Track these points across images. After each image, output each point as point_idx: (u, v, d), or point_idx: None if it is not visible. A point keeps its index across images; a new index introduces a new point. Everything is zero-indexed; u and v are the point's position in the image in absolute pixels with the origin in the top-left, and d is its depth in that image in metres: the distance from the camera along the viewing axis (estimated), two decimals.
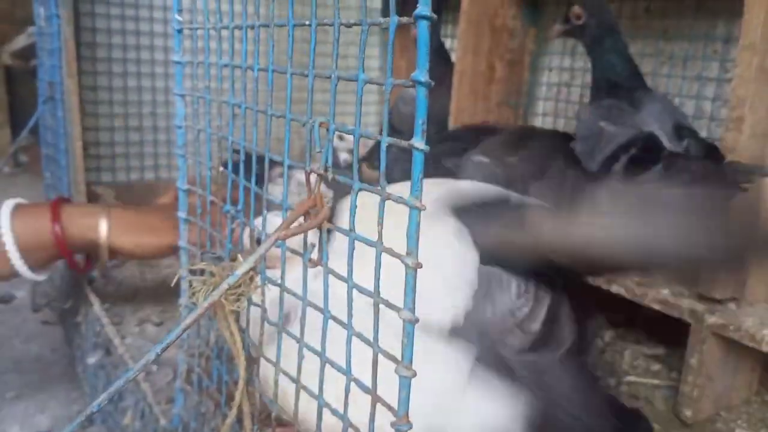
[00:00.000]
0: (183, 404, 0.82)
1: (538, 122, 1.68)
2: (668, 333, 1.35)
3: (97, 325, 1.13)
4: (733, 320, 1.02)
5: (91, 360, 1.14)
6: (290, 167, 0.55)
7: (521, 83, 1.65)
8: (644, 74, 1.42)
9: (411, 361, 0.42)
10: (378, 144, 0.41)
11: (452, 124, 1.59)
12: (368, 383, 0.46)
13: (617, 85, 1.24)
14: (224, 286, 0.50)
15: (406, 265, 0.40)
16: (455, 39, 1.61)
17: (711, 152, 1.10)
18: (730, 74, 1.20)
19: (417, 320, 0.41)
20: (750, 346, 1.00)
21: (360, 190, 0.45)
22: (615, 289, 1.19)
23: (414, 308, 0.41)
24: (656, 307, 1.13)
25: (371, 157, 1.41)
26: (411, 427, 0.42)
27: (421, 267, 0.40)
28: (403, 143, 0.40)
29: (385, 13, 1.59)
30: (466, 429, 0.71)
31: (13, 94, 3.20)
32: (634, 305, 1.20)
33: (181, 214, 0.77)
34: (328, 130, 0.48)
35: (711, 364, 1.06)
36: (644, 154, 1.06)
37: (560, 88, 1.62)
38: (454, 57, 1.62)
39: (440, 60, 1.67)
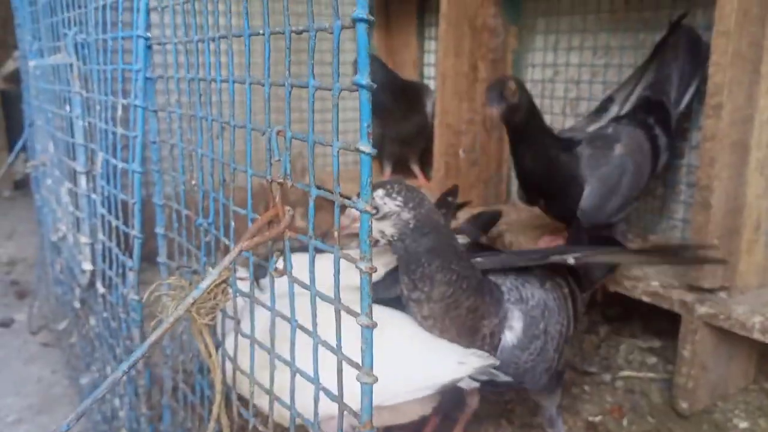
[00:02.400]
0: (170, 421, 0.82)
1: None
2: (663, 325, 1.34)
3: (86, 345, 1.13)
4: (723, 309, 1.02)
5: (84, 380, 1.14)
6: (255, 177, 0.55)
7: None
8: (627, 66, 1.42)
9: (372, 367, 0.41)
10: None
11: (438, 127, 1.58)
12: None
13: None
14: (189, 300, 0.50)
15: (360, 270, 0.40)
16: (438, 41, 1.61)
17: None
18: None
19: (375, 325, 0.41)
20: (741, 334, 1.00)
21: (316, 196, 0.45)
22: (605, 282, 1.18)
23: (370, 314, 0.40)
24: (646, 299, 1.12)
25: None
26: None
27: (375, 271, 0.40)
28: (351, 147, 0.40)
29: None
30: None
31: (9, 117, 3.20)
32: (628, 298, 1.19)
33: (159, 229, 0.77)
34: (285, 138, 0.48)
35: (704, 354, 1.06)
36: None
37: (544, 84, 1.61)
38: (434, 59, 1.63)
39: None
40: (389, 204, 0.79)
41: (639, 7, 1.40)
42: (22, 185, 3.19)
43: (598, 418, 1.11)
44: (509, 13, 1.60)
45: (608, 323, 1.43)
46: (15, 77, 2.78)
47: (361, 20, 0.37)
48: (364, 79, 0.37)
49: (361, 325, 0.41)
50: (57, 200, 1.17)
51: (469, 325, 0.83)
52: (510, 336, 0.86)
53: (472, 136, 1.62)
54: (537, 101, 1.60)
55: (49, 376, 1.39)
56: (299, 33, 0.45)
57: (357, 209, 0.39)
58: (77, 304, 1.14)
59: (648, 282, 1.13)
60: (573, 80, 1.54)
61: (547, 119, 1.60)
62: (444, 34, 1.51)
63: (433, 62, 1.90)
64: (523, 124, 1.19)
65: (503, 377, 0.88)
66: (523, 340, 0.87)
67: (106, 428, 1.05)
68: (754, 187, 1.05)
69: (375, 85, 0.37)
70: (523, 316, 0.87)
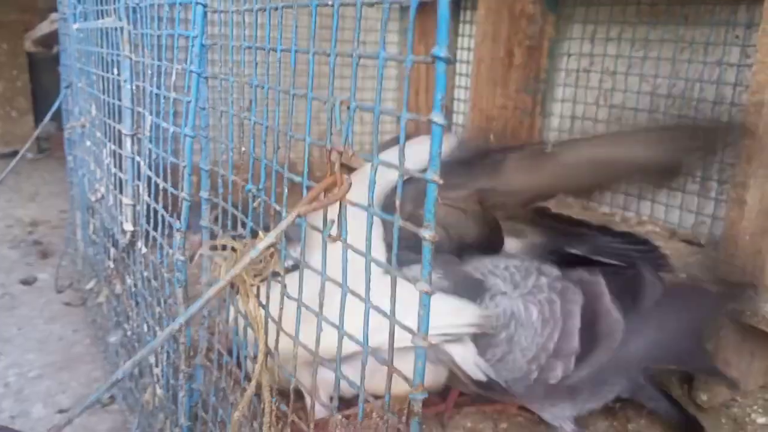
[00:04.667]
0: (203, 380, 0.84)
1: (557, 108, 1.68)
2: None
3: (118, 304, 1.16)
4: (750, 305, 1.02)
5: (113, 339, 1.16)
6: (312, 145, 0.56)
7: (540, 69, 1.65)
8: (665, 59, 1.42)
9: (427, 332, 0.43)
10: None
11: (470, 112, 1.59)
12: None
13: None
14: (246, 260, 0.52)
15: (423, 238, 0.41)
16: (474, 25, 1.61)
17: None
18: (752, 59, 1.19)
19: (433, 292, 0.42)
20: (767, 331, 1.01)
21: (378, 164, 0.46)
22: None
23: (430, 280, 0.42)
24: None
25: None
26: (426, 396, 0.43)
27: (438, 240, 0.42)
28: (422, 118, 0.41)
29: None
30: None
31: (36, 81, 3.24)
32: None
33: (203, 194, 0.79)
34: (348, 108, 0.49)
35: (727, 350, 1.07)
36: None
37: (579, 74, 1.61)
38: (468, 42, 1.63)
39: None
40: None
41: (681, 2, 1.39)
42: (45, 148, 3.23)
43: (617, 404, 1.12)
44: (548, 1, 1.59)
45: None
46: (47, 40, 2.81)
47: None
48: (443, 51, 0.38)
49: (420, 291, 0.42)
50: (97, 162, 1.19)
51: None
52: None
53: (504, 121, 1.62)
54: (572, 90, 1.61)
55: (71, 335, 1.42)
56: (371, 5, 0.46)
57: (425, 179, 0.41)
58: (111, 264, 1.17)
59: (676, 275, 1.13)
60: (609, 71, 1.54)
61: (580, 109, 1.61)
62: (482, 19, 1.52)
63: (467, 46, 1.90)
64: None
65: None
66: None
67: (131, 385, 1.07)
68: None
69: (453, 59, 0.39)
70: None
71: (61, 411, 1.15)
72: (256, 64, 0.66)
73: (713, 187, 1.34)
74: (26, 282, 1.69)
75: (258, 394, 0.63)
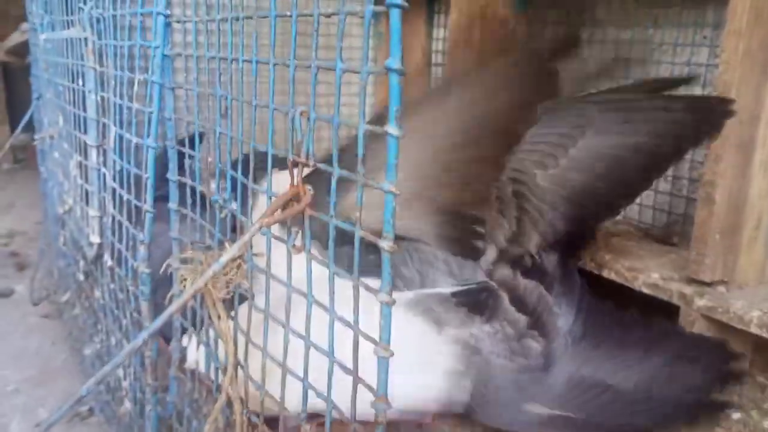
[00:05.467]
0: (177, 392, 0.83)
1: None
2: (660, 317, 1.36)
3: (89, 317, 1.15)
4: (721, 303, 1.03)
5: (88, 351, 1.15)
6: (274, 156, 0.56)
7: None
8: (635, 61, 1.43)
9: (389, 342, 0.43)
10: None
11: None
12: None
13: None
14: (209, 272, 0.51)
15: (382, 249, 0.41)
16: (447, 29, 1.62)
17: None
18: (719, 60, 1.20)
19: (394, 302, 0.42)
20: (738, 327, 1.01)
21: (339, 177, 0.46)
22: (606, 273, 1.20)
23: (390, 291, 0.42)
24: (646, 290, 1.14)
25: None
26: (390, 408, 0.43)
27: (397, 251, 0.41)
28: (379, 130, 0.41)
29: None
30: None
31: (10, 91, 3.20)
32: (627, 290, 1.21)
33: (172, 205, 0.78)
34: (309, 119, 0.49)
35: None
36: None
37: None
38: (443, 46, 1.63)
39: None
40: None
41: (650, 4, 1.41)
42: (21, 159, 3.20)
43: None
44: (519, 3, 1.60)
45: None
46: (19, 50, 2.78)
47: (395, 5, 0.38)
48: (396, 63, 0.38)
49: (381, 302, 0.42)
50: (65, 173, 1.18)
51: None
52: None
53: None
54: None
55: (48, 348, 1.40)
56: (328, 16, 0.46)
57: (383, 190, 0.40)
58: (81, 277, 1.16)
59: (648, 274, 1.14)
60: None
61: None
62: (454, 23, 1.52)
63: (441, 49, 1.91)
64: None
65: None
66: None
67: (109, 398, 1.06)
68: (757, 185, 1.06)
69: (405, 70, 0.39)
70: None
71: (38, 425, 1.13)
72: (220, 74, 0.65)
73: (685, 185, 1.35)
74: (3, 294, 1.67)
75: (230, 404, 0.63)
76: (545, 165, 1.02)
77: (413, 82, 1.76)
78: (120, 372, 0.96)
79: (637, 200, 1.44)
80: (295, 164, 0.50)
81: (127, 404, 0.93)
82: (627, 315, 1.04)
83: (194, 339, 0.72)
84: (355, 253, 0.45)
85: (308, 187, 0.51)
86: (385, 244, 0.41)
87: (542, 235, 1.02)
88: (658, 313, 1.25)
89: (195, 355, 0.73)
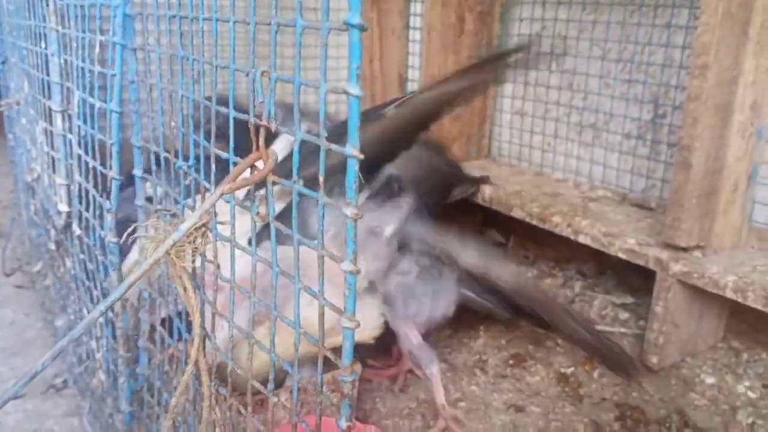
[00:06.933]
0: (147, 364, 0.82)
1: (510, 74, 1.65)
2: (637, 283, 1.37)
3: (62, 287, 1.12)
4: (697, 268, 1.03)
5: (59, 322, 1.13)
6: (237, 119, 0.54)
7: (492, 35, 1.62)
8: (615, 23, 1.41)
9: (354, 312, 0.41)
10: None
11: (422, 79, 1.57)
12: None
13: None
14: (169, 242, 0.50)
15: (347, 216, 0.40)
16: None
17: None
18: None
19: (359, 271, 0.41)
20: (714, 292, 1.02)
21: (302, 140, 0.44)
22: (582, 239, 1.20)
23: (355, 259, 0.40)
24: (622, 256, 1.14)
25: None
26: (355, 377, 0.42)
27: (361, 217, 0.40)
28: (339, 90, 0.39)
29: None
30: None
31: None
32: (604, 256, 1.21)
33: (137, 172, 0.76)
34: (270, 79, 0.47)
35: (676, 312, 1.08)
36: None
37: (531, 39, 1.59)
38: (422, 8, 1.60)
39: None
40: None
41: None
42: None
43: (569, 370, 1.13)
44: None
45: (583, 279, 1.45)
46: None
47: None
48: (355, 18, 0.36)
49: (345, 270, 0.40)
50: (32, 140, 1.15)
51: None
52: None
53: None
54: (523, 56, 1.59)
55: (23, 319, 1.38)
56: None
57: (345, 154, 0.39)
58: (52, 246, 1.13)
59: (624, 239, 1.14)
60: (560, 35, 1.53)
61: (533, 75, 1.59)
62: None
63: (419, 12, 1.87)
64: None
65: None
66: None
67: (82, 370, 1.05)
68: (735, 149, 1.05)
69: (367, 25, 0.36)
70: None
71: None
72: (181, 34, 0.62)
73: (663, 150, 1.34)
74: None
75: (198, 375, 0.62)
76: None
77: (391, 46, 1.72)
78: (93, 344, 0.94)
79: (615, 165, 1.43)
80: (257, 128, 0.48)
81: (101, 376, 0.92)
82: None
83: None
84: (318, 220, 0.43)
85: (271, 151, 0.49)
86: (349, 211, 0.39)
87: None
88: (634, 276, 1.26)
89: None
